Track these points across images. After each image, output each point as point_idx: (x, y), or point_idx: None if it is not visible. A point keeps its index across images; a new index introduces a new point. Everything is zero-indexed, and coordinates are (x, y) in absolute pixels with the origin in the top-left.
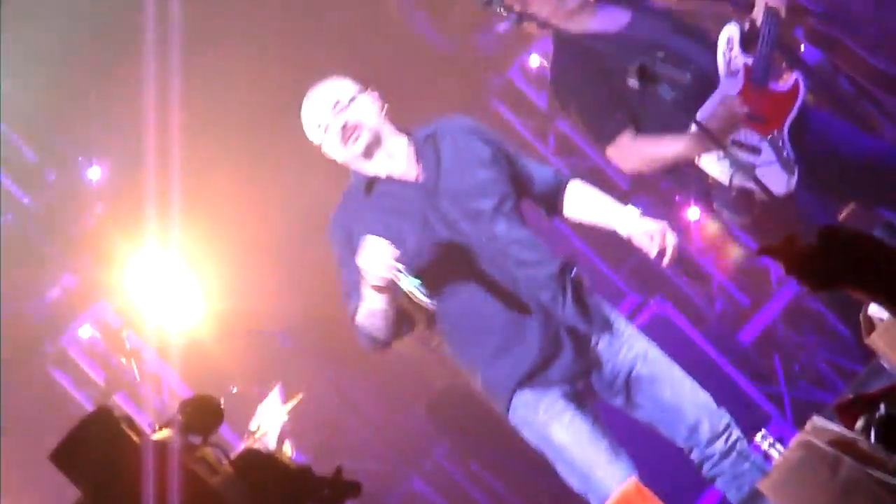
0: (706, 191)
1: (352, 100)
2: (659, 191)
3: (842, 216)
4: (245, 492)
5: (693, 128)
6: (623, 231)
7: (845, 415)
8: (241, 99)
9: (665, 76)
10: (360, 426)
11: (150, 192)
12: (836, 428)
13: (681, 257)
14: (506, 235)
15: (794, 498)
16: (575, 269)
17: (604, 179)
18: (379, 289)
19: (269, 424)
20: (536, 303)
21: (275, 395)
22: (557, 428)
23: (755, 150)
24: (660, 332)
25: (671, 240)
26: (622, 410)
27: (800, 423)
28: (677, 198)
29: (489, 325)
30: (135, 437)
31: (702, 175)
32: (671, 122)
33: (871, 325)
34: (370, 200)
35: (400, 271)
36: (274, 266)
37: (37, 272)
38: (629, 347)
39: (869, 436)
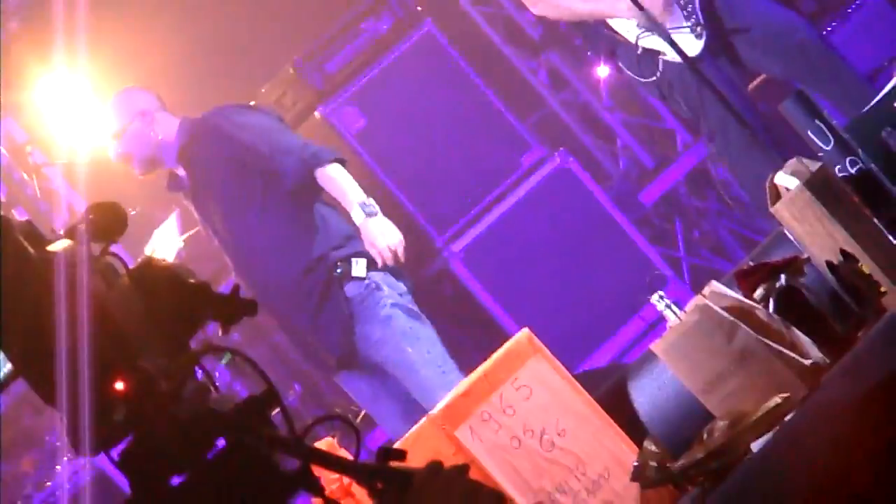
0: (613, 49)
1: (123, 130)
2: (571, 46)
3: (752, 86)
4: (139, 305)
5: None
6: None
7: (744, 282)
8: None
9: None
10: None
11: (63, 13)
12: (734, 295)
13: (588, 115)
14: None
15: (686, 361)
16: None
17: (516, 28)
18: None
19: (164, 249)
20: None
21: (172, 221)
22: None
23: (665, 13)
24: (562, 186)
25: (392, 242)
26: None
27: (697, 288)
28: (589, 54)
29: None
30: (33, 249)
31: (610, 32)
32: None
33: (776, 193)
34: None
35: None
36: (184, 90)
37: None
38: (377, 351)
39: (768, 306)
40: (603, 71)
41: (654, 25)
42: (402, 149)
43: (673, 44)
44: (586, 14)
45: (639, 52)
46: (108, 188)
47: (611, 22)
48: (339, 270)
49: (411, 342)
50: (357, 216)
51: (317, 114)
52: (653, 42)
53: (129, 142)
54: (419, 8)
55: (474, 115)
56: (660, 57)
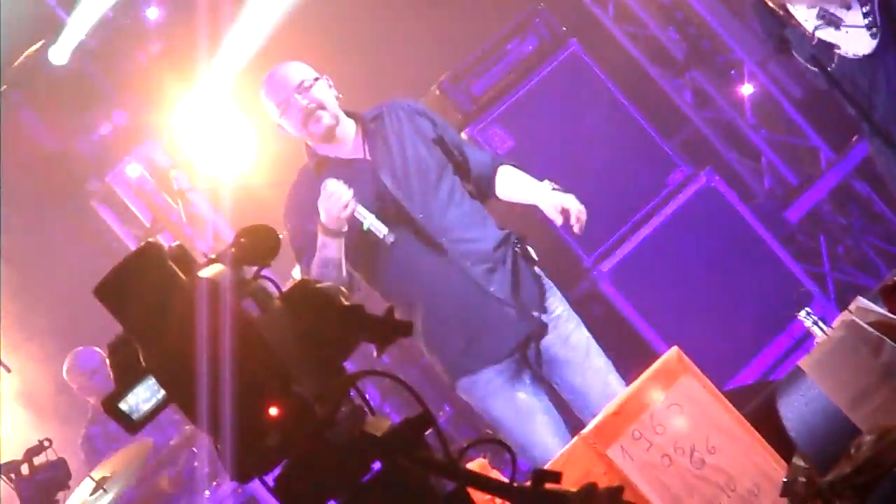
0: (786, 38)
1: (314, 81)
2: (714, 65)
3: None
4: (293, 328)
5: None
6: (539, 203)
7: (890, 298)
8: None
9: None
10: None
11: (206, 35)
12: (880, 310)
13: (733, 133)
14: (444, 212)
15: (833, 376)
16: (517, 242)
17: (660, 47)
18: (335, 233)
19: None
20: (469, 279)
21: None
22: (497, 402)
23: (845, 5)
24: (708, 204)
25: (576, 209)
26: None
27: (842, 305)
28: (732, 72)
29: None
30: (183, 274)
31: (787, 20)
32: None
33: None
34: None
35: (357, 209)
36: None
37: (88, 108)
38: (554, 326)
39: None
40: (747, 89)
41: (831, 19)
42: (549, 169)
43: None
44: None
45: (814, 42)
46: (254, 212)
47: (790, 8)
48: (518, 247)
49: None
50: (546, 187)
51: (463, 135)
52: (829, 34)
53: (319, 93)
54: (564, 28)
55: (620, 135)
56: (835, 51)
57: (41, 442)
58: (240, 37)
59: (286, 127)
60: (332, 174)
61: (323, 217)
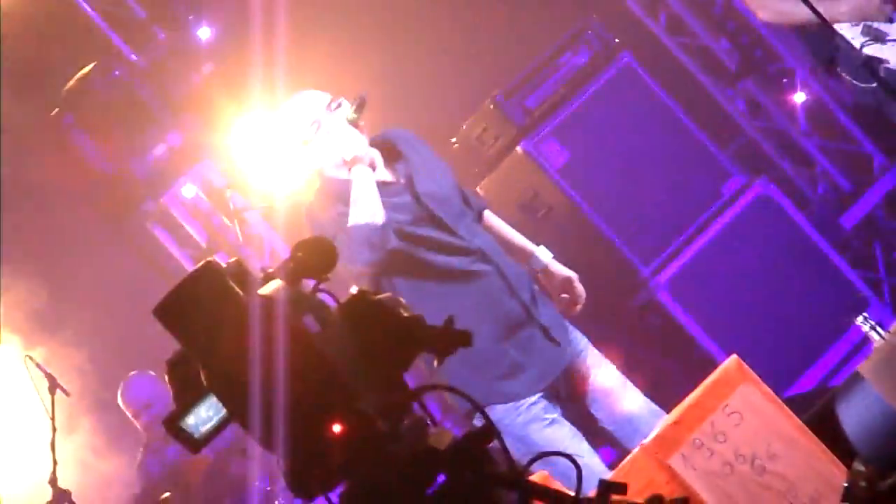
0: (833, 56)
1: (339, 105)
2: (766, 74)
3: None
4: (352, 343)
5: None
6: (545, 259)
7: None
8: None
9: None
10: None
11: (258, 53)
12: None
13: (786, 141)
14: (477, 235)
15: (892, 380)
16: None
17: (712, 58)
18: (362, 159)
19: None
20: (520, 302)
21: None
22: (536, 429)
23: (889, 20)
24: (763, 213)
25: (581, 289)
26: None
27: None
28: (784, 81)
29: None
30: (241, 291)
31: (833, 37)
32: None
33: None
34: None
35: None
36: (387, 125)
37: (143, 130)
38: (584, 358)
39: None
40: (799, 97)
41: (876, 34)
42: (605, 181)
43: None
44: (807, 18)
45: (862, 59)
46: (309, 230)
47: (837, 27)
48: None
49: None
50: (544, 255)
51: (519, 149)
52: (877, 49)
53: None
54: (617, 40)
55: (674, 146)
56: (882, 65)
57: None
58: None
59: (315, 149)
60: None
61: (353, 155)
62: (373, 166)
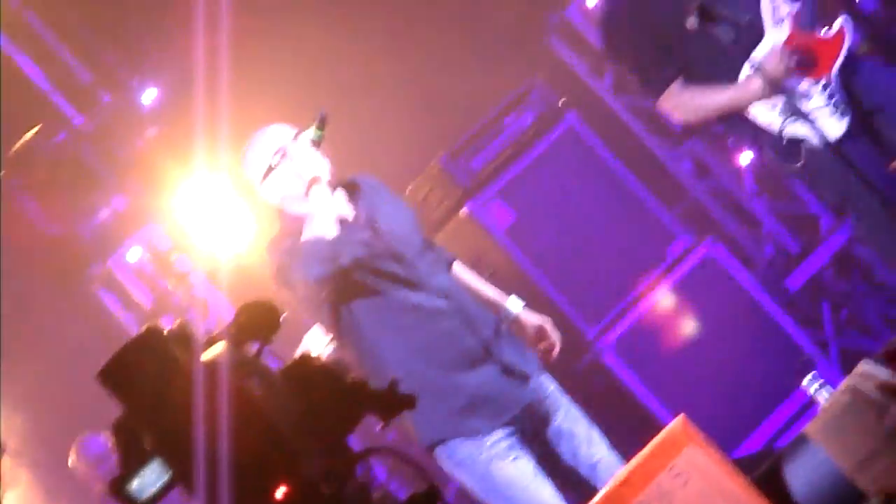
0: (757, 138)
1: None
2: (711, 134)
3: (893, 165)
4: (296, 406)
5: (742, 76)
6: (516, 310)
7: (894, 361)
8: (297, 21)
9: (724, 16)
10: None
11: (202, 117)
12: (883, 374)
13: (732, 202)
14: (438, 275)
15: (839, 441)
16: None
17: (657, 119)
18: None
19: (315, 353)
20: (479, 337)
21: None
22: (498, 467)
23: (805, 96)
24: (709, 274)
25: (556, 333)
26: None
27: (847, 370)
28: (730, 141)
29: (418, 362)
30: (185, 355)
31: (752, 123)
32: (717, 71)
33: None
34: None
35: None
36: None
37: (88, 193)
38: (553, 398)
39: None
40: (745, 157)
41: (794, 111)
42: (550, 243)
43: (814, 127)
44: (724, 107)
45: (784, 141)
46: (254, 292)
47: (752, 111)
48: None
49: None
50: (515, 305)
51: (464, 210)
52: (796, 129)
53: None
54: (562, 100)
55: (620, 207)
56: (803, 145)
57: None
58: (234, 116)
59: (269, 188)
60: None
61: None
62: (332, 186)
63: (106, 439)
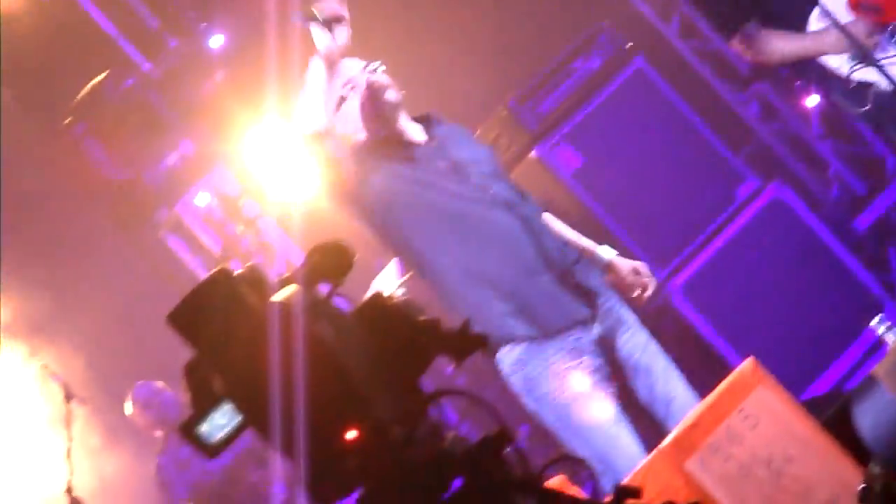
0: (824, 81)
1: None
2: (779, 77)
3: None
4: (368, 348)
5: (812, 19)
6: (608, 256)
7: None
8: None
9: None
10: None
11: (271, 59)
12: None
13: (799, 144)
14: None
15: None
16: None
17: (724, 63)
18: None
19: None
20: (537, 248)
21: (391, 267)
22: (565, 385)
23: (874, 42)
24: (777, 216)
25: (649, 276)
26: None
27: None
28: (797, 84)
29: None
30: (256, 297)
31: (821, 66)
32: (789, 12)
33: None
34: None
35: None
36: None
37: (155, 138)
38: (626, 329)
39: None
40: (812, 100)
41: (864, 54)
42: (618, 186)
43: (882, 71)
44: (796, 55)
45: (852, 85)
46: (324, 236)
47: (821, 59)
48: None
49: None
50: (607, 252)
51: (533, 154)
52: (865, 74)
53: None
54: (629, 45)
55: (687, 149)
56: (871, 89)
57: None
58: (303, 61)
59: (346, 116)
60: (393, 158)
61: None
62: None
63: (161, 387)
